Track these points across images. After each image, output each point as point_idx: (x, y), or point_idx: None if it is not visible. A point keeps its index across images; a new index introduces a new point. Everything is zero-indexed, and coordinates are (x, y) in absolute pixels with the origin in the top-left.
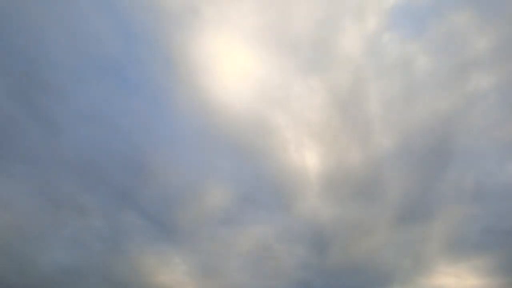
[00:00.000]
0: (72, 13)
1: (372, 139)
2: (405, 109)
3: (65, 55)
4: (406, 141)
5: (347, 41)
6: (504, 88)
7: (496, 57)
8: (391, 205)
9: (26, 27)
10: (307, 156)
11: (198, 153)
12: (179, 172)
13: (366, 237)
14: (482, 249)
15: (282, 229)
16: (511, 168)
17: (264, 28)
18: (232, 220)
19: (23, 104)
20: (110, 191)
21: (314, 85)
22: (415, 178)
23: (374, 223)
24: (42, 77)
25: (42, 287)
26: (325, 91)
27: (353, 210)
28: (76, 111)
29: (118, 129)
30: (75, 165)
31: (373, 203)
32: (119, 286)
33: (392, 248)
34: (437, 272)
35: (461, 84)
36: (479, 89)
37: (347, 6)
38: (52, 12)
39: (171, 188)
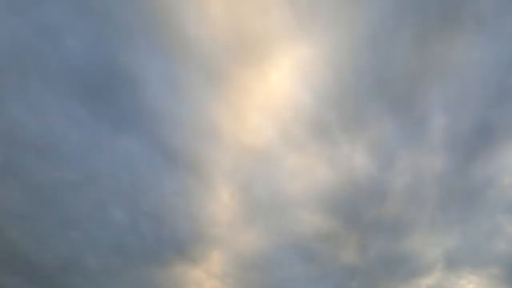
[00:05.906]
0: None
1: (425, 142)
2: (458, 114)
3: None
4: (455, 146)
5: (403, 45)
6: None
7: None
8: (429, 209)
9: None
10: (356, 157)
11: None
12: (232, 174)
13: (403, 239)
14: (504, 259)
15: (325, 230)
16: None
17: (322, 27)
18: (276, 221)
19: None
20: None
21: (370, 85)
22: (454, 182)
23: (412, 226)
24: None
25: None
26: (379, 92)
27: (394, 212)
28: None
29: (180, 129)
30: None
31: (412, 206)
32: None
33: (425, 250)
34: (461, 278)
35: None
36: None
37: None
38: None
39: (219, 190)
